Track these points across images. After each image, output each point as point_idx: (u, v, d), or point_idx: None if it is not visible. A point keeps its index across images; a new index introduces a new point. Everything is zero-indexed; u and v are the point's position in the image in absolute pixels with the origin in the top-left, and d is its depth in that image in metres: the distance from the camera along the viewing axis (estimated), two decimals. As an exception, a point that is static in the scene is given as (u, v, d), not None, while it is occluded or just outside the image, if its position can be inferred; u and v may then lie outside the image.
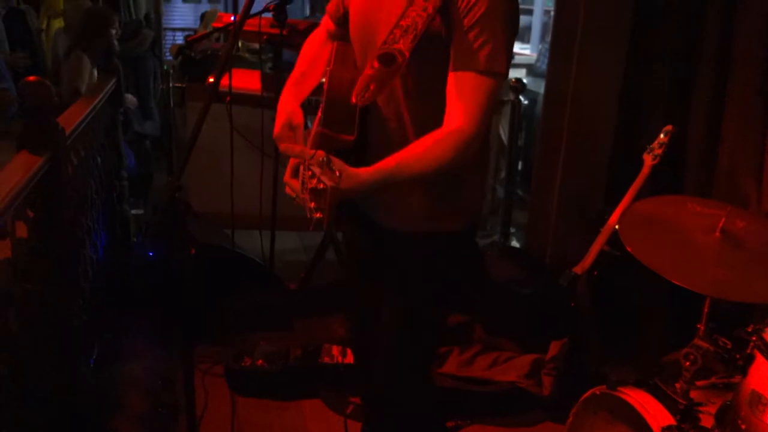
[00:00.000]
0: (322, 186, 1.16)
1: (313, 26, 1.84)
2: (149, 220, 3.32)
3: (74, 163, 2.40)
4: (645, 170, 2.62)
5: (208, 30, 6.04)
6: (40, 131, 1.96)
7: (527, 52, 7.76)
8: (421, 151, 1.36)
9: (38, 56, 4.71)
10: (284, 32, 2.58)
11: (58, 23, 4.85)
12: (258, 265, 3.05)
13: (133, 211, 3.67)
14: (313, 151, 1.23)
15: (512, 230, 4.07)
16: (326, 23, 1.76)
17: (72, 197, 2.37)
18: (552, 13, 4.38)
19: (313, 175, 1.19)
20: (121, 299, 2.95)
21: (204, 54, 4.88)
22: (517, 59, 6.31)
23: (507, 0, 1.39)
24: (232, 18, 2.78)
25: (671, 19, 3.08)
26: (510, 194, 4.13)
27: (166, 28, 8.23)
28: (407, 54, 1.34)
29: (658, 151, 2.63)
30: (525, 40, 10.01)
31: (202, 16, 6.30)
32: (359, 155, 1.46)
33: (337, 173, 1.18)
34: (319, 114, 1.63)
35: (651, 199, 2.11)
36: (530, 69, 5.90)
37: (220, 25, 2.79)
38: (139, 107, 4.69)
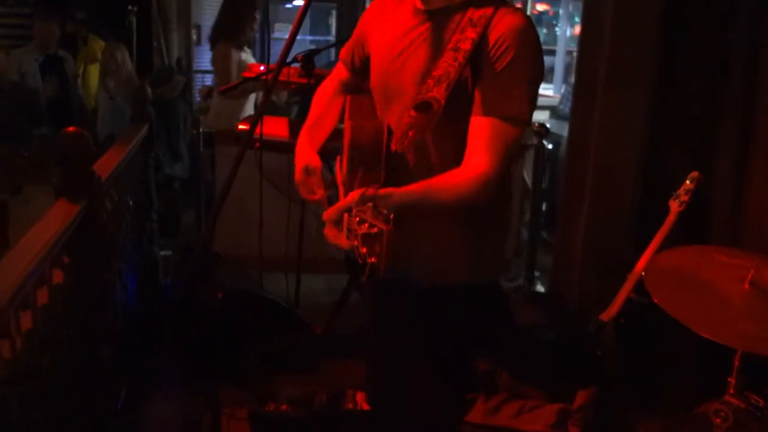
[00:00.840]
0: (375, 230, 1.17)
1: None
2: (178, 264, 3.37)
3: (108, 208, 2.46)
4: (671, 217, 2.62)
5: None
6: (77, 180, 2.02)
7: (550, 92, 7.80)
8: (447, 188, 1.42)
9: (73, 102, 4.86)
10: (312, 81, 2.65)
11: (94, 68, 5.01)
12: (283, 308, 3.07)
13: (162, 253, 3.73)
14: (357, 192, 1.25)
15: (537, 274, 4.06)
16: (340, 71, 1.81)
17: (105, 241, 2.42)
18: (575, 54, 4.44)
19: (363, 221, 1.20)
20: (149, 341, 2.98)
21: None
22: (540, 101, 6.31)
23: (533, 49, 1.45)
24: (262, 68, 2.85)
25: (696, 63, 3.10)
26: (534, 237, 4.13)
27: (195, 71, 8.42)
28: (443, 101, 1.40)
29: (684, 198, 2.62)
30: (548, 80, 10.07)
31: (231, 60, 6.43)
32: None
33: (391, 216, 1.19)
34: (338, 164, 1.67)
35: (677, 249, 2.11)
36: (553, 111, 5.93)
37: (251, 75, 2.86)
38: (169, 150, 4.80)
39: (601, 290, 2.87)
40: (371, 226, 1.18)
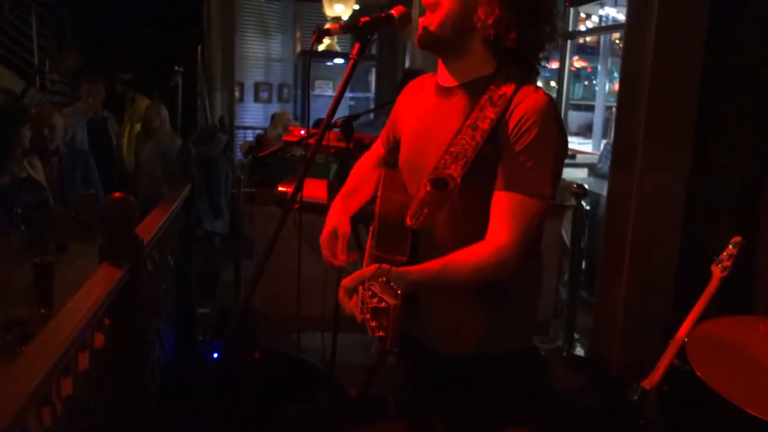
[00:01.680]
0: (384, 305, 1.19)
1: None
2: (216, 323, 3.40)
3: (149, 269, 2.51)
4: (714, 282, 2.55)
5: (277, 130, 6.34)
6: (121, 244, 2.07)
7: (588, 149, 7.80)
8: (466, 262, 1.41)
9: (115, 161, 5.03)
10: (350, 146, 2.70)
11: (139, 126, 5.19)
12: (319, 369, 3.07)
13: (200, 310, 3.77)
14: (372, 270, 1.28)
15: (576, 336, 3.98)
16: (377, 147, 1.87)
17: (145, 302, 2.46)
18: (614, 110, 4.45)
19: (374, 295, 1.22)
20: (185, 400, 2.99)
21: (273, 155, 5.09)
22: (578, 159, 6.35)
23: (556, 126, 1.45)
24: (302, 132, 2.92)
25: (739, 122, 3.06)
26: (573, 297, 4.07)
27: (237, 127, 8.66)
28: (458, 179, 1.42)
29: (727, 263, 2.56)
30: (586, 136, 10.06)
31: (272, 117, 6.60)
32: None
33: (399, 291, 1.21)
34: (371, 232, 1.70)
35: (721, 319, 2.06)
36: (592, 169, 5.90)
37: (293, 139, 2.93)
38: (210, 207, 4.91)
39: (643, 354, 2.80)
40: (380, 300, 1.19)
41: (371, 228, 1.75)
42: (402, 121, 1.72)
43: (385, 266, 1.30)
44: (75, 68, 5.59)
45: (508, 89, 1.45)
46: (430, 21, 1.49)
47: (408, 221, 1.46)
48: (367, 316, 1.23)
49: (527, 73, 1.52)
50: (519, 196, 1.42)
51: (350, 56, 1.43)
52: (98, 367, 1.84)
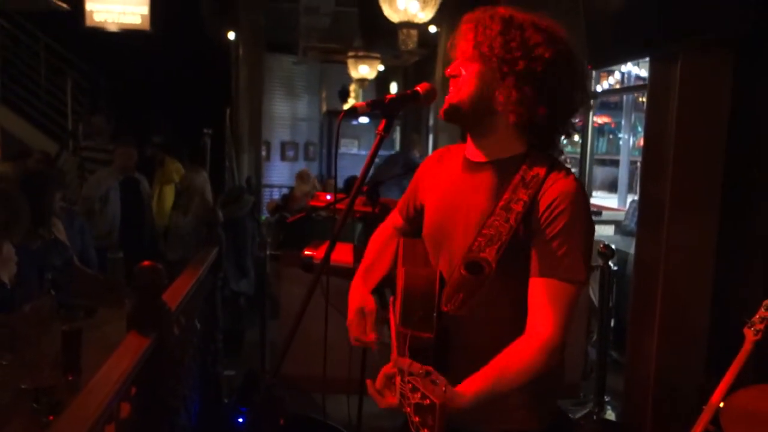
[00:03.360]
0: (428, 402, 1.16)
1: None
2: (241, 387, 3.39)
3: (176, 334, 2.52)
4: (747, 346, 2.49)
5: (301, 187, 6.43)
6: (149, 312, 2.09)
7: (614, 204, 7.75)
8: (518, 370, 1.40)
9: (146, 223, 5.12)
10: (376, 210, 2.73)
11: (169, 189, 5.31)
12: (345, 435, 3.03)
13: (225, 372, 3.76)
14: (410, 361, 1.26)
15: (607, 398, 3.89)
16: (394, 219, 1.86)
17: (171, 368, 2.46)
18: (639, 164, 4.43)
19: (415, 389, 1.19)
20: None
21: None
22: (604, 215, 6.29)
23: (584, 212, 1.48)
24: (328, 197, 2.96)
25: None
26: (603, 357, 3.98)
27: (264, 185, 8.79)
28: (494, 264, 1.41)
29: (760, 326, 2.50)
30: (612, 190, 10.01)
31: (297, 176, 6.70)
32: (438, 354, 1.49)
33: (443, 388, 1.18)
34: (391, 304, 1.69)
35: (755, 388, 2.00)
36: (618, 226, 5.86)
37: (320, 204, 2.97)
38: (236, 266, 4.95)
39: (677, 419, 2.72)
40: (424, 396, 1.16)
41: (391, 300, 1.74)
42: (425, 191, 1.72)
43: (441, 381, 1.24)
44: (102, 132, 5.77)
45: (540, 171, 1.47)
46: (451, 97, 1.51)
47: (444, 307, 1.47)
48: (408, 410, 1.20)
49: (556, 152, 1.54)
50: (556, 282, 1.43)
51: (377, 132, 1.45)
52: (124, 437, 1.84)
